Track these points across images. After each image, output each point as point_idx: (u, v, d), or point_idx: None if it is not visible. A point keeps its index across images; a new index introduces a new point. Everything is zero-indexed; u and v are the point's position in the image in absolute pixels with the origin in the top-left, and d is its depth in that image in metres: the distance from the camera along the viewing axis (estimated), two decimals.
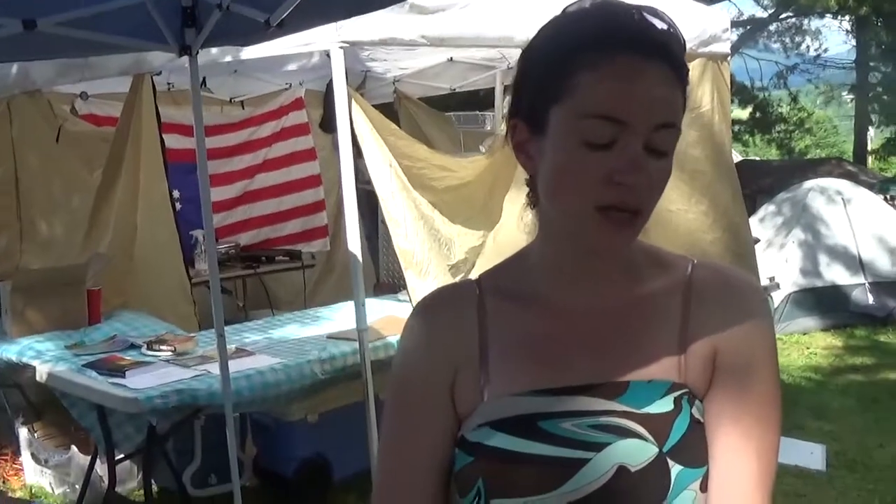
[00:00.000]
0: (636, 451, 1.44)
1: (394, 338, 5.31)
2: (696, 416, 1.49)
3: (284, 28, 3.63)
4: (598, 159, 1.41)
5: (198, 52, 4.32)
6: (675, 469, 1.44)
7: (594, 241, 1.47)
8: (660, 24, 1.45)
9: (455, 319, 1.60)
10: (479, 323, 1.58)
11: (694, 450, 1.48)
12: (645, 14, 1.45)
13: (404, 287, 6.72)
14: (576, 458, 1.45)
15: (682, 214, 6.58)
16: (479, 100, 11.25)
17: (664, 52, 1.44)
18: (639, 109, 1.40)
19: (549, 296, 1.57)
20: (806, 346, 11.32)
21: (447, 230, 5.54)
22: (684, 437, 1.46)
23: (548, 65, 1.47)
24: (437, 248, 5.43)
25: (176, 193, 7.41)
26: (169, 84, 7.84)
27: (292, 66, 7.79)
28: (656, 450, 1.44)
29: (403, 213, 5.31)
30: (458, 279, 5.39)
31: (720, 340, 1.51)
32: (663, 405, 1.46)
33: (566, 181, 1.45)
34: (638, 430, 1.45)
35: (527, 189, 1.59)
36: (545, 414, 1.48)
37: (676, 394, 1.48)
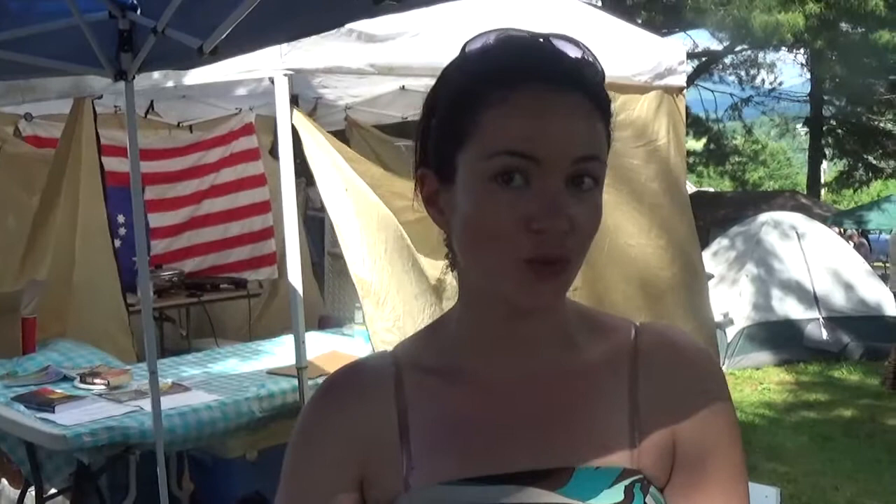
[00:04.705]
0: None
1: None
2: None
3: (218, 55, 3.49)
4: (512, 203, 1.24)
5: (134, 77, 4.16)
6: None
7: (518, 299, 1.29)
8: (573, 52, 1.31)
9: (368, 402, 1.42)
10: (398, 403, 1.40)
11: None
12: (554, 41, 1.31)
13: (350, 320, 6.60)
14: None
15: (641, 248, 6.48)
16: None
17: (577, 80, 1.28)
18: (552, 144, 1.24)
19: (474, 369, 1.39)
20: (759, 381, 11.32)
21: (413, 254, 5.35)
22: None
23: (451, 107, 1.32)
24: (399, 274, 5.22)
25: (121, 218, 7.29)
26: (116, 107, 7.67)
27: (242, 91, 7.64)
28: None
29: (361, 239, 5.14)
30: (425, 310, 5.18)
31: (678, 427, 1.36)
32: (612, 496, 1.29)
33: (480, 233, 1.27)
34: None
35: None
36: None
37: (627, 481, 1.31)
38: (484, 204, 1.26)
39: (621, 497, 1.29)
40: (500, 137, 1.25)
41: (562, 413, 1.36)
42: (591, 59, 1.32)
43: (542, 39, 1.31)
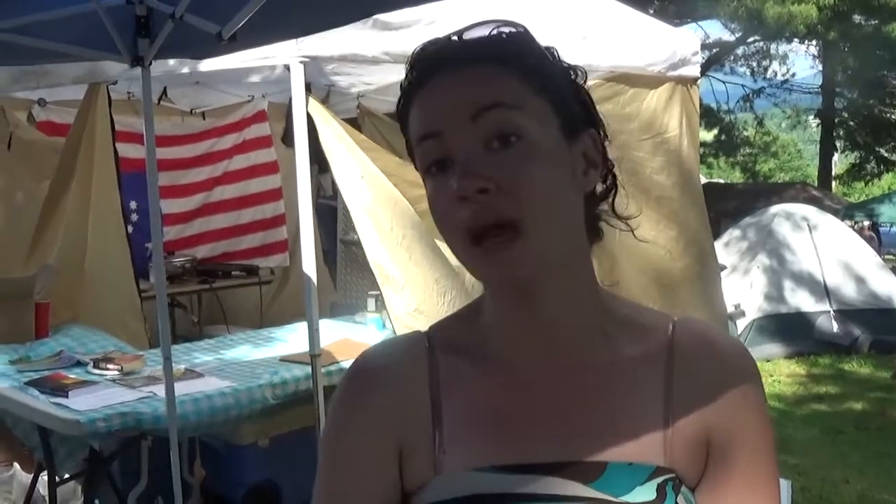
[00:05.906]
0: None
1: (347, 362, 5.11)
2: None
3: (237, 43, 3.48)
4: (446, 183, 1.28)
5: (150, 64, 4.16)
6: None
7: (476, 274, 1.32)
8: (481, 33, 1.35)
9: (401, 383, 1.40)
10: (431, 384, 1.39)
11: None
12: (466, 33, 1.36)
13: (362, 308, 6.59)
14: None
15: (651, 240, 6.44)
16: None
17: (480, 56, 1.31)
18: (448, 111, 1.29)
19: (506, 356, 1.38)
20: (770, 373, 11.29)
21: (432, 239, 5.32)
22: None
23: (399, 118, 1.42)
24: (418, 259, 5.19)
25: (133, 204, 7.28)
26: (129, 93, 7.66)
27: (255, 79, 7.63)
28: None
29: (378, 226, 5.13)
30: (447, 293, 5.14)
31: (712, 424, 1.34)
32: (644, 493, 1.28)
33: (436, 219, 1.33)
34: None
35: None
36: (510, 496, 1.29)
37: (660, 479, 1.29)
38: (430, 192, 1.33)
39: (653, 495, 1.28)
40: (415, 128, 1.34)
41: (595, 406, 1.35)
42: (505, 31, 1.35)
43: (454, 34, 1.37)
